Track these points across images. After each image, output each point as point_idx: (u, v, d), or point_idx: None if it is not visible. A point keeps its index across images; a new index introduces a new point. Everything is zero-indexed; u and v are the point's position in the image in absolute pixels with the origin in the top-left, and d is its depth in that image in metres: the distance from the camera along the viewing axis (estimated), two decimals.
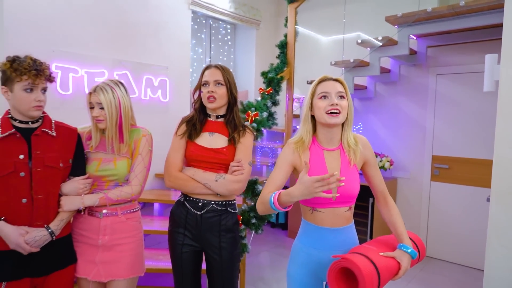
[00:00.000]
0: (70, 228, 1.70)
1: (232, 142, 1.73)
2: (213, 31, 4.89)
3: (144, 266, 1.79)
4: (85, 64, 3.21)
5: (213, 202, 1.70)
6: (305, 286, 1.48)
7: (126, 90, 1.74)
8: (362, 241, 1.55)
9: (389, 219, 1.49)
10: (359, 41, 3.61)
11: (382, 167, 3.93)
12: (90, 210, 1.68)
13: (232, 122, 1.77)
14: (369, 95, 4.25)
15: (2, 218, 1.51)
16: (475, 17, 2.84)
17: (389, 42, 3.41)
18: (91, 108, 1.67)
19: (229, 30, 5.09)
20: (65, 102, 3.06)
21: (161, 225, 3.04)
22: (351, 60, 3.57)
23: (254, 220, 2.65)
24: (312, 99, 1.44)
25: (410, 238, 1.48)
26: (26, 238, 1.51)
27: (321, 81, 1.44)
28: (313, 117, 1.47)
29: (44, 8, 2.94)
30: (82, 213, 1.69)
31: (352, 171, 1.45)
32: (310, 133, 1.47)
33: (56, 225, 1.59)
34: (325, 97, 1.40)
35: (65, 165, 1.64)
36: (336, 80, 1.43)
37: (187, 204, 1.73)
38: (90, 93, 1.67)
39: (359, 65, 3.62)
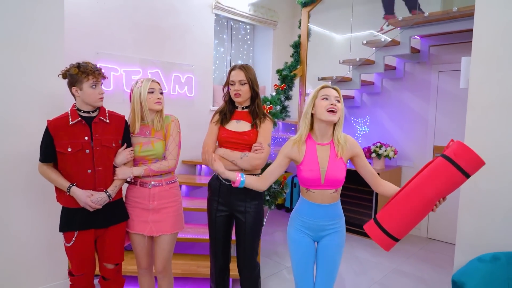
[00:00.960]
0: (121, 194, 2.19)
1: (255, 127, 2.15)
2: (234, 32, 5.34)
3: (183, 224, 2.26)
4: (123, 64, 3.73)
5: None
6: (299, 242, 1.89)
7: (138, 87, 2.15)
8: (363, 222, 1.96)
9: (390, 190, 1.84)
10: (365, 41, 3.98)
11: (386, 156, 4.30)
12: (142, 182, 2.13)
13: (255, 112, 2.19)
14: (376, 90, 4.62)
15: (74, 184, 1.99)
16: (466, 21, 3.17)
17: (392, 43, 3.77)
18: (151, 93, 2.10)
19: (248, 31, 5.52)
20: (107, 98, 3.55)
21: (188, 204, 3.53)
22: (357, 59, 3.96)
23: (267, 198, 3.10)
24: (314, 100, 1.84)
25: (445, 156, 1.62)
26: (91, 198, 1.97)
27: (323, 87, 1.85)
28: (311, 115, 1.87)
29: (89, 17, 3.46)
30: (136, 185, 2.15)
31: (338, 162, 1.82)
32: (308, 127, 1.86)
33: (112, 190, 2.05)
34: (326, 98, 1.80)
35: (116, 145, 2.07)
36: (334, 88, 1.85)
37: (220, 177, 2.18)
38: (152, 81, 2.12)
39: (365, 63, 3.99)
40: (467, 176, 1.59)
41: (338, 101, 1.81)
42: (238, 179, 1.85)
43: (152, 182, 2.12)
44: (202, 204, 3.36)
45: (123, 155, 2.08)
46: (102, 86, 2.07)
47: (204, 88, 4.50)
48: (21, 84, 2.58)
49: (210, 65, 4.58)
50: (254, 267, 2.20)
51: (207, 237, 3.10)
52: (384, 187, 1.85)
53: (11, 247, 2.60)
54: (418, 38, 4.15)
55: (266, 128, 2.16)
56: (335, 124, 1.84)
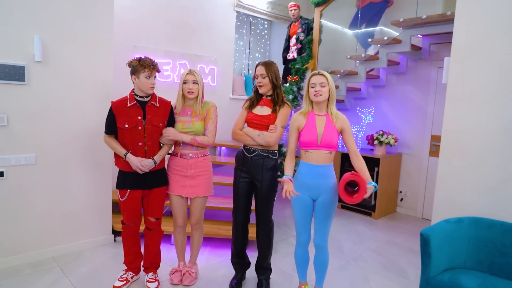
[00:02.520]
0: (164, 164, 2.72)
1: (274, 111, 2.68)
2: (253, 27, 5.83)
3: (212, 190, 2.80)
4: (157, 56, 4.28)
5: (259, 150, 2.67)
6: (299, 200, 2.40)
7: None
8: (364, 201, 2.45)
9: (359, 167, 2.34)
10: (369, 40, 4.42)
11: (388, 143, 4.76)
12: (182, 154, 2.66)
13: (275, 99, 2.70)
14: (381, 84, 5.06)
15: (129, 152, 2.51)
16: None
17: (394, 41, 4.21)
18: (185, 83, 2.61)
19: (266, 26, 6.01)
20: None
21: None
22: (363, 55, 4.41)
23: (278, 173, 3.62)
24: (308, 87, 2.38)
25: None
26: (141, 163, 2.48)
27: (312, 75, 2.36)
28: None
29: (129, 14, 4.02)
30: (177, 156, 2.67)
31: (332, 129, 2.34)
32: (309, 106, 2.40)
33: (157, 157, 2.56)
34: (313, 86, 2.32)
35: (163, 125, 2.57)
36: (321, 74, 2.34)
37: (244, 150, 2.71)
38: (187, 74, 2.61)
39: (370, 59, 4.44)
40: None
41: (323, 86, 2.31)
42: (287, 178, 2.33)
43: (190, 154, 2.66)
44: (222, 179, 3.93)
45: (168, 131, 2.58)
46: (156, 78, 2.57)
47: (225, 78, 5.03)
48: (77, 72, 3.16)
49: (231, 58, 5.09)
50: (268, 221, 2.72)
51: (227, 206, 3.68)
52: (355, 163, 2.35)
53: (70, 204, 3.22)
54: (421, 36, 4.56)
55: (283, 112, 2.66)
56: (328, 101, 2.36)
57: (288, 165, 2.42)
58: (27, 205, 2.98)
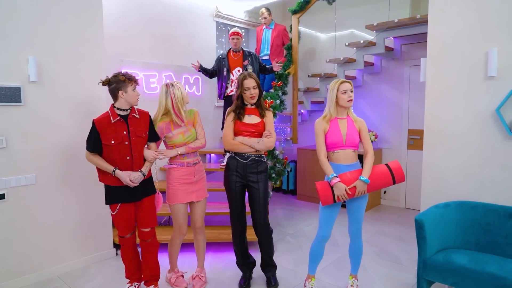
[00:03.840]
0: (151, 173, 2.71)
1: (262, 118, 2.83)
2: None
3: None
4: (143, 69, 4.35)
5: (252, 155, 2.82)
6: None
7: (178, 88, 2.70)
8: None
9: (364, 161, 2.58)
10: (347, 43, 4.69)
11: None
12: (188, 163, 2.75)
13: (260, 106, 2.87)
14: (358, 84, 5.35)
15: (117, 168, 2.49)
16: (426, 25, 3.89)
17: (369, 44, 4.49)
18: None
19: (243, 34, 6.17)
20: None
21: None
22: (341, 58, 4.67)
23: (274, 175, 3.80)
24: (337, 93, 2.55)
25: (388, 166, 2.58)
26: (131, 177, 2.49)
27: (342, 83, 2.56)
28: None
29: (114, 29, 4.07)
30: (184, 166, 2.74)
31: (353, 129, 2.57)
32: (335, 112, 2.58)
33: (145, 169, 2.60)
34: (345, 92, 2.53)
35: (145, 135, 2.60)
36: (348, 82, 2.57)
37: (237, 157, 2.83)
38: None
39: (348, 61, 4.71)
40: (394, 182, 2.58)
41: (352, 91, 2.56)
42: (337, 179, 2.48)
43: (195, 161, 2.80)
44: (214, 185, 4.04)
45: (151, 153, 2.63)
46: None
47: (209, 87, 5.15)
48: (72, 90, 3.20)
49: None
50: (268, 224, 2.87)
51: (222, 210, 3.79)
52: (366, 158, 2.58)
53: (72, 221, 3.24)
54: (392, 38, 4.88)
55: (271, 118, 2.85)
56: None
57: (327, 164, 2.56)
58: (30, 225, 2.98)
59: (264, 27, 5.23)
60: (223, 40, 5.84)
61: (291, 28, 4.98)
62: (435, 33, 2.88)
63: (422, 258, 2.51)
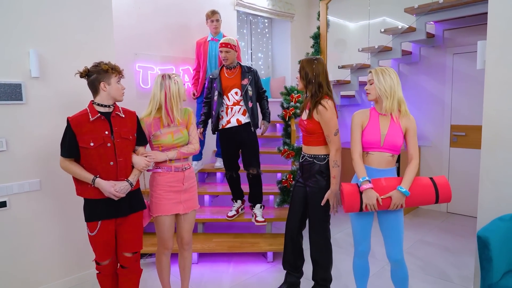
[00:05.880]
0: (139, 184, 2.27)
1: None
2: (253, 26, 5.60)
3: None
4: (158, 63, 4.04)
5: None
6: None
7: (175, 82, 2.29)
8: None
9: (406, 171, 2.16)
10: (382, 30, 4.21)
11: None
12: (176, 167, 2.31)
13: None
14: None
15: (97, 176, 2.05)
16: (478, 5, 3.38)
17: (408, 29, 3.99)
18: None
19: (266, 24, 5.78)
20: (146, 95, 3.88)
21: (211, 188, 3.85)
22: (376, 47, 4.19)
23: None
24: None
25: (433, 181, 2.16)
26: (115, 188, 2.05)
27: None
28: None
29: (127, 22, 3.76)
30: (171, 171, 2.30)
31: (397, 129, 2.12)
32: (378, 105, 2.18)
33: (133, 178, 2.15)
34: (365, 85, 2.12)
35: (133, 137, 2.18)
36: (370, 71, 2.15)
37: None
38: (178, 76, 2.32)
39: (383, 50, 4.23)
40: (437, 201, 2.17)
41: (371, 84, 2.12)
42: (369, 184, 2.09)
43: (186, 166, 2.39)
44: (220, 188, 3.68)
45: (143, 159, 2.21)
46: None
47: None
48: (78, 87, 2.89)
49: None
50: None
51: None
52: (409, 167, 2.16)
53: (80, 230, 2.95)
54: (433, 23, 4.35)
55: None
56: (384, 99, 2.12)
57: (361, 165, 2.15)
58: (35, 235, 2.72)
59: (210, 38, 3.95)
60: (244, 31, 5.46)
61: (318, 16, 4.53)
62: (498, 11, 2.39)
63: (487, 283, 2.06)
